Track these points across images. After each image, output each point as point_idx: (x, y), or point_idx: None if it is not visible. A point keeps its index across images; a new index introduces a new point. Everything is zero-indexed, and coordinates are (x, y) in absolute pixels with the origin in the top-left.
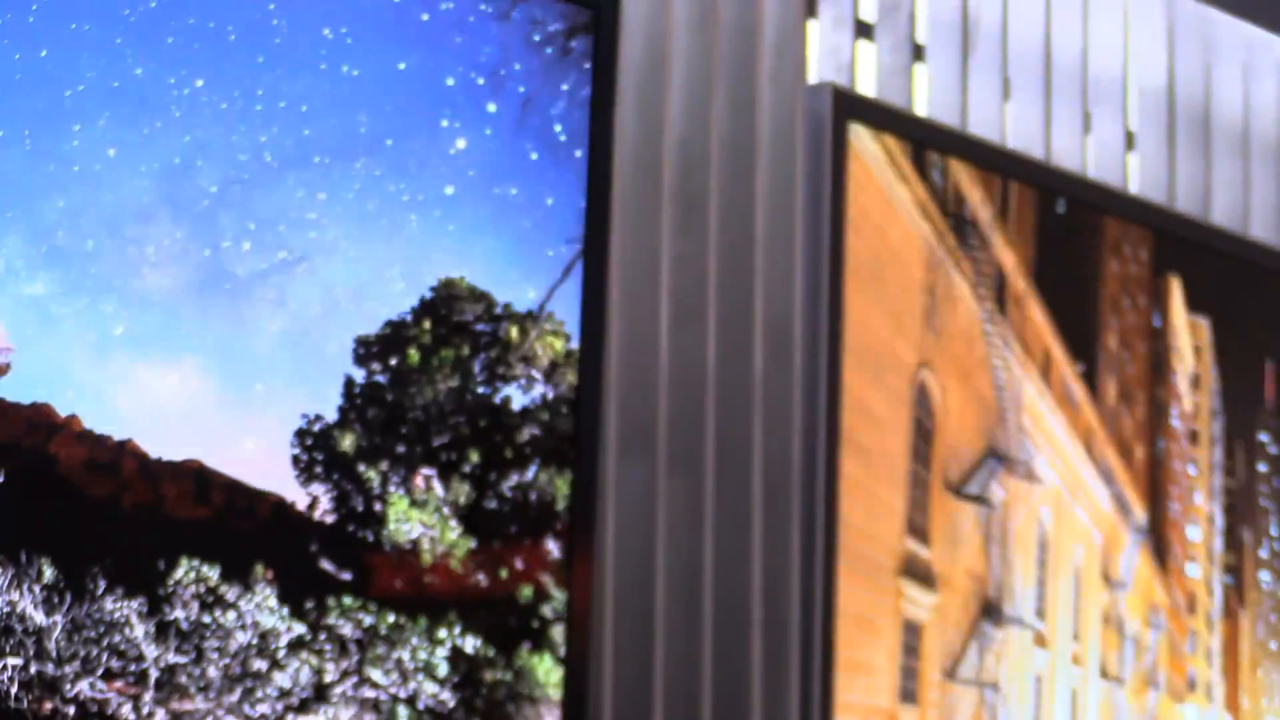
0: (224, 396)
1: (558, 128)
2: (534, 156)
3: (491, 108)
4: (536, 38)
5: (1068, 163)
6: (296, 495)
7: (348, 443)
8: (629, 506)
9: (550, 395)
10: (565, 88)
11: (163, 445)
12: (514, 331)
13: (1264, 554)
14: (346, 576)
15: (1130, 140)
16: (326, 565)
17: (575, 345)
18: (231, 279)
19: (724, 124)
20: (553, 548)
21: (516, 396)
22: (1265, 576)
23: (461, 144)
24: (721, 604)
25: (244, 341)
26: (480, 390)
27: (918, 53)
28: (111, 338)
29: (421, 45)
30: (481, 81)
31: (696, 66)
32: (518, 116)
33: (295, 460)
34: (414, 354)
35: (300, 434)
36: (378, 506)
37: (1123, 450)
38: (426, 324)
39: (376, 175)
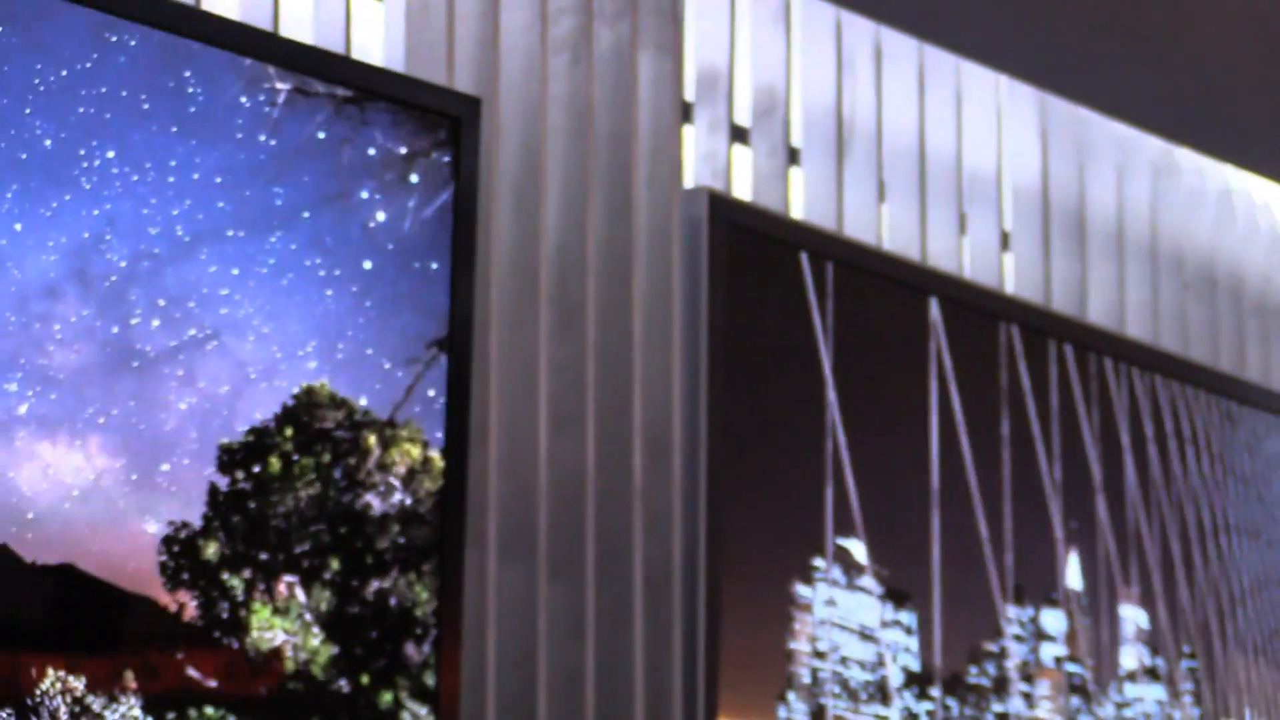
0: (129, 477)
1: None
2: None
3: (414, 178)
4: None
5: (944, 263)
6: (168, 599)
7: (211, 551)
8: (510, 610)
9: (408, 501)
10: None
11: (39, 545)
12: (371, 439)
13: None
14: (212, 684)
15: (1006, 240)
16: (193, 672)
17: (436, 451)
18: (140, 356)
19: (601, 229)
20: (413, 653)
21: (376, 503)
22: None
23: (381, 217)
24: (603, 707)
25: (151, 419)
26: (340, 497)
27: (793, 156)
28: (15, 416)
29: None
30: (404, 151)
31: (573, 172)
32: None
33: (162, 567)
34: (275, 462)
35: (167, 541)
36: (242, 613)
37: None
38: (288, 431)
39: (293, 249)
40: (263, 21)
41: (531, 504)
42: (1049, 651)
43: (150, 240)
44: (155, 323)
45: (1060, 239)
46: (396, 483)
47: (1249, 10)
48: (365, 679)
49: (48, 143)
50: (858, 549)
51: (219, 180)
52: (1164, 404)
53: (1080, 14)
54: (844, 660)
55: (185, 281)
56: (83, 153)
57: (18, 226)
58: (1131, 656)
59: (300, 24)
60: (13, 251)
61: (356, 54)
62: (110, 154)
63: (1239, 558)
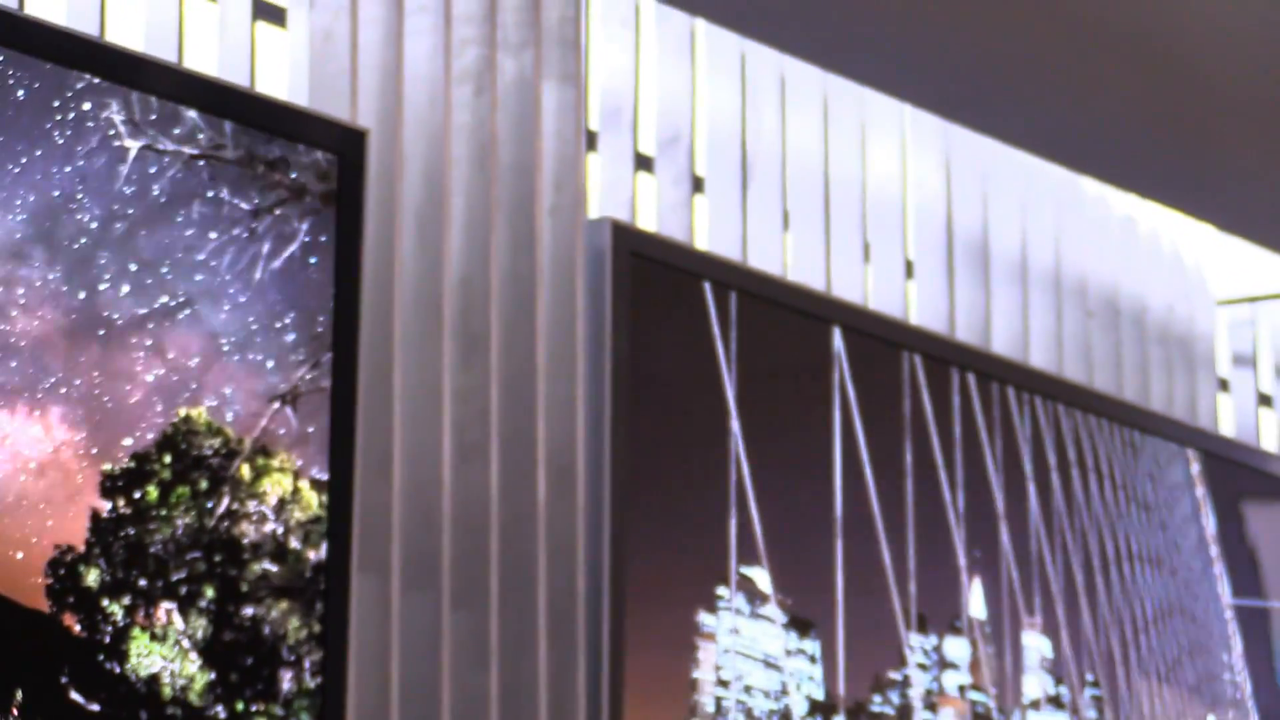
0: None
1: None
2: None
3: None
4: None
5: (847, 292)
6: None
7: (92, 577)
8: (413, 639)
9: (280, 531)
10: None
11: None
12: (245, 469)
13: None
14: (94, 708)
15: (909, 269)
16: (76, 696)
17: (307, 481)
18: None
19: (504, 259)
20: (290, 681)
21: (250, 532)
22: None
23: (266, 251)
24: None
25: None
26: (215, 526)
27: (698, 185)
28: None
29: None
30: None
31: (476, 202)
32: None
33: (48, 590)
34: (153, 491)
35: (52, 564)
36: (122, 640)
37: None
38: (167, 458)
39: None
40: (169, 54)
41: (435, 532)
42: (952, 680)
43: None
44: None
45: (964, 268)
46: (269, 512)
47: (1149, 43)
48: (240, 705)
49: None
50: (761, 578)
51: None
52: (1067, 433)
53: (984, 46)
54: (748, 689)
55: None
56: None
57: None
58: (1035, 685)
59: (205, 55)
60: None
61: (261, 83)
62: None
63: (1142, 586)
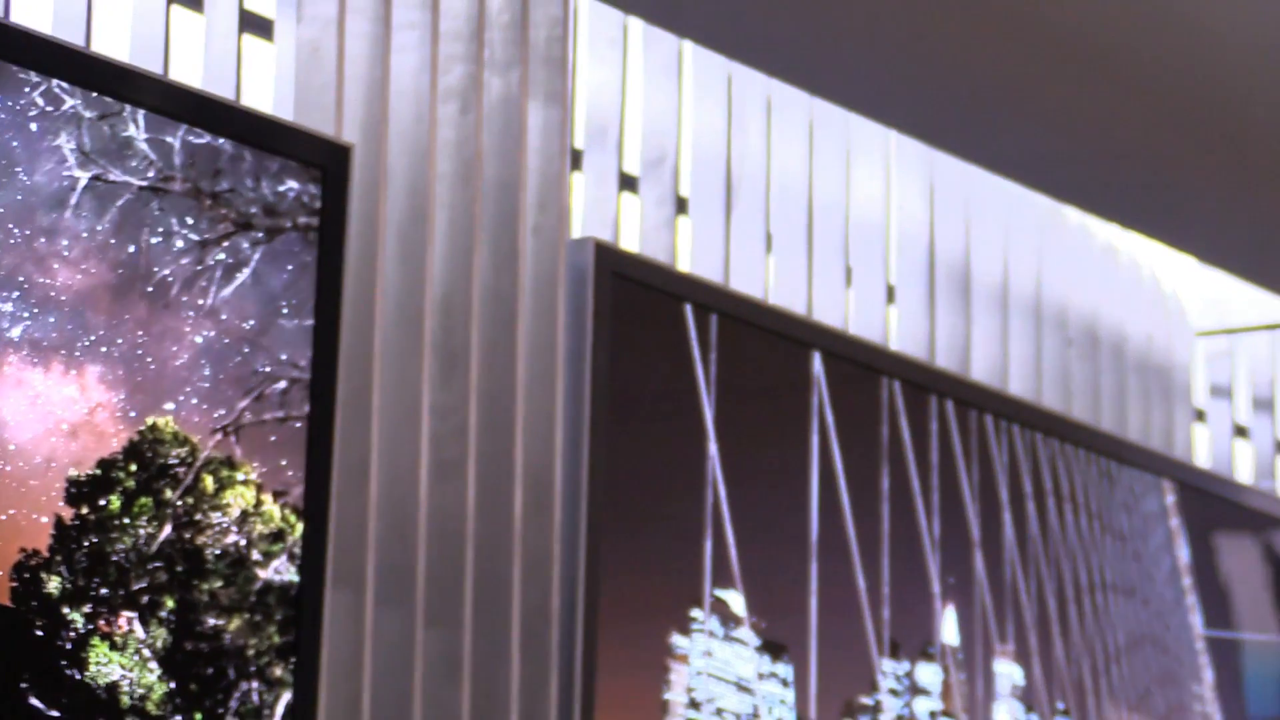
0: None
1: None
2: None
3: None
4: None
5: (829, 316)
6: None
7: (54, 584)
8: (386, 655)
9: (242, 544)
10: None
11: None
12: (209, 480)
13: None
14: (54, 714)
15: (891, 294)
16: (35, 702)
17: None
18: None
19: (486, 277)
20: (253, 693)
21: (210, 543)
22: None
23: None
24: None
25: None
26: (178, 535)
27: (682, 206)
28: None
29: None
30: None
31: (459, 219)
32: None
33: (13, 593)
34: (115, 501)
35: (17, 568)
36: (83, 647)
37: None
38: (133, 466)
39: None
40: (154, 65)
41: (410, 548)
42: (924, 706)
43: None
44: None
45: (945, 295)
46: (231, 525)
47: (1133, 75)
48: (199, 717)
49: None
50: (735, 600)
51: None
52: (1044, 461)
53: (970, 73)
54: (719, 712)
55: None
56: None
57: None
58: (1006, 712)
59: (191, 67)
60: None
61: (246, 96)
62: None
63: (1115, 615)
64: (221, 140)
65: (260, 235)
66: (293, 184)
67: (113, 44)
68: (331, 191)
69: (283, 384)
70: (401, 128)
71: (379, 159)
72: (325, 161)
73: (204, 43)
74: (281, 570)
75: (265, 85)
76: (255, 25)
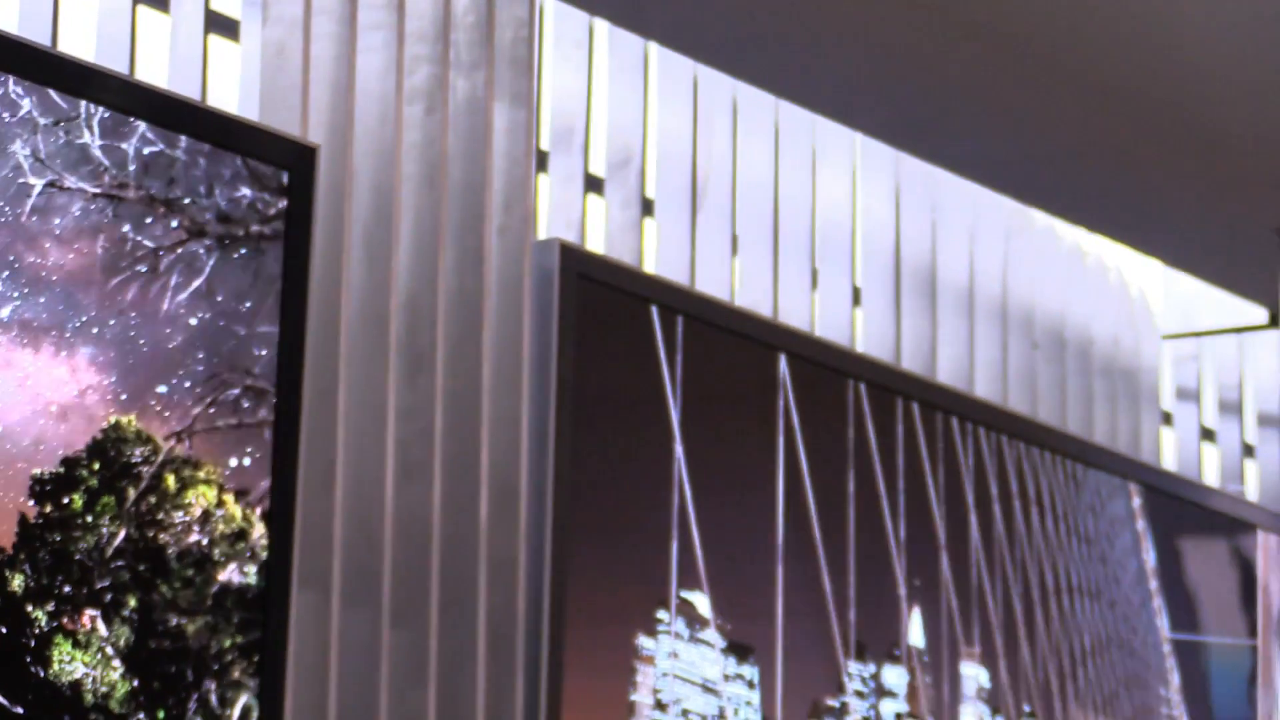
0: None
1: None
2: None
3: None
4: None
5: (795, 318)
6: None
7: (17, 582)
8: (351, 656)
9: (204, 542)
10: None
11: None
12: (170, 479)
13: None
14: (18, 711)
15: (857, 296)
16: (0, 699)
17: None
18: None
19: (452, 278)
20: (213, 692)
21: (171, 542)
22: None
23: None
24: None
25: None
26: (140, 534)
27: (648, 208)
28: None
29: None
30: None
31: (424, 221)
32: None
33: None
34: (78, 499)
35: None
36: (46, 645)
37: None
38: (96, 465)
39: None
40: (120, 65)
41: (376, 549)
42: (890, 708)
43: None
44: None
45: (911, 297)
46: (194, 524)
47: (1100, 79)
48: (161, 715)
49: None
50: (701, 602)
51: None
52: (1010, 464)
53: (936, 76)
54: (685, 713)
55: None
56: None
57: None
58: (972, 715)
59: (157, 67)
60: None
61: (212, 97)
62: None
63: (1081, 618)
64: (177, 150)
65: (212, 243)
66: (246, 191)
67: (78, 44)
68: (297, 192)
69: (235, 391)
70: (367, 128)
71: (344, 160)
72: (291, 162)
73: (170, 43)
74: (245, 571)
75: (231, 86)
76: (221, 26)
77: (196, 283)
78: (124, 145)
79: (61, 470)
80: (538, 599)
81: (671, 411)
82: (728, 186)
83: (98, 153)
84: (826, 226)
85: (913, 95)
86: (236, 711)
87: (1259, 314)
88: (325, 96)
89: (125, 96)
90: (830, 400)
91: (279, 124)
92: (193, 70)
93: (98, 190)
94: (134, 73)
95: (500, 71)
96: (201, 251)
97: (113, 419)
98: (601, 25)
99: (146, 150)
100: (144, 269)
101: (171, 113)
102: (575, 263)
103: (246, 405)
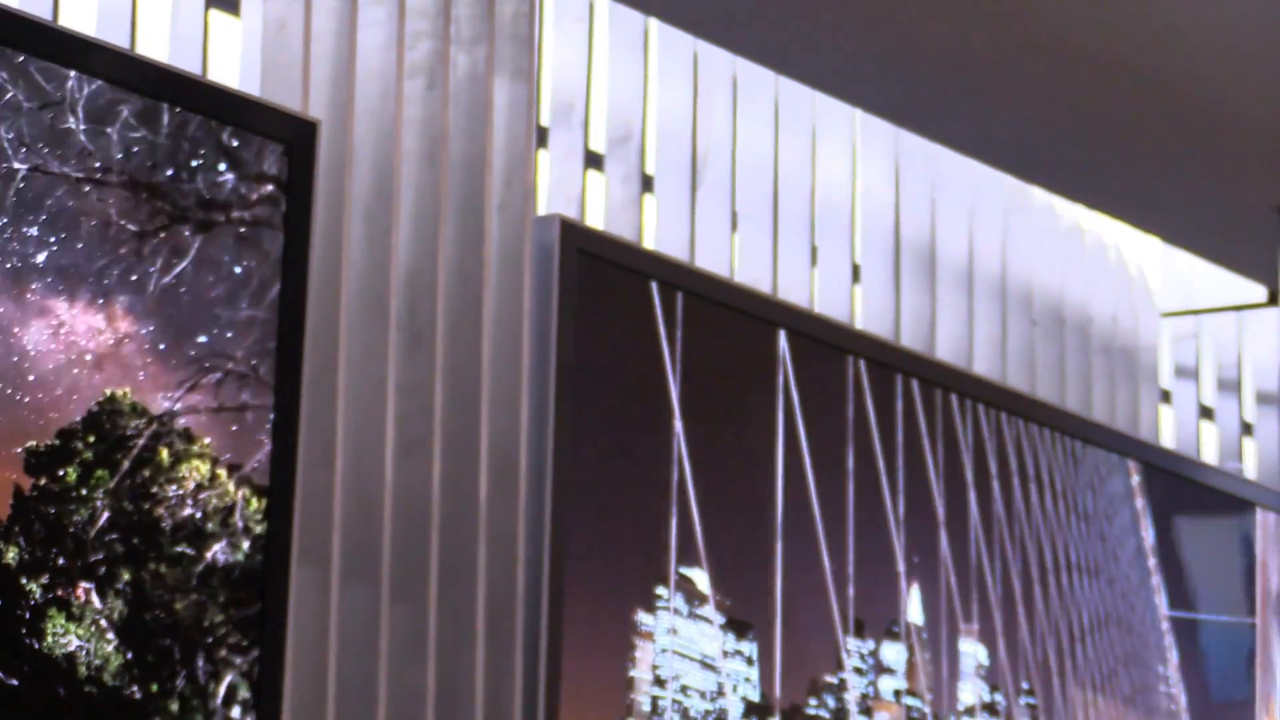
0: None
1: None
2: None
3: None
4: None
5: (794, 294)
6: None
7: (11, 555)
8: (351, 631)
9: (198, 515)
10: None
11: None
12: (164, 453)
13: None
14: (13, 683)
15: (856, 273)
16: None
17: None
18: None
19: (452, 254)
20: (203, 666)
21: (166, 516)
22: None
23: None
24: None
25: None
26: (134, 508)
27: (648, 184)
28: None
29: None
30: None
31: (425, 197)
32: None
33: None
34: (72, 472)
35: None
36: (41, 618)
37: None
38: (91, 438)
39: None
40: (121, 40)
41: (375, 525)
42: (888, 684)
43: None
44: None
45: (910, 274)
46: (188, 497)
47: (1100, 56)
48: (155, 687)
49: None
50: (700, 578)
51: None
52: (1009, 441)
53: (937, 53)
54: (684, 689)
55: None
56: None
57: None
58: (970, 692)
59: (158, 41)
60: None
61: (213, 71)
62: None
63: (1080, 595)
64: (161, 136)
65: (195, 228)
66: (230, 176)
67: (80, 18)
68: (298, 168)
69: (233, 365)
70: (368, 104)
71: (345, 136)
72: (292, 137)
73: (171, 17)
74: (244, 545)
75: (232, 60)
76: (222, 1)
77: (182, 264)
78: (109, 129)
79: (56, 443)
80: (537, 575)
81: (671, 388)
82: (727, 163)
83: (82, 138)
84: (826, 203)
85: (913, 72)
86: (223, 687)
87: (1258, 292)
88: (326, 71)
89: (125, 71)
90: (829, 377)
91: (280, 99)
92: (193, 45)
93: (80, 175)
94: (135, 47)
95: (501, 47)
96: (188, 233)
97: (108, 392)
98: (602, 1)
99: (130, 136)
100: (127, 251)
101: (172, 87)
102: (575, 238)
103: (245, 380)
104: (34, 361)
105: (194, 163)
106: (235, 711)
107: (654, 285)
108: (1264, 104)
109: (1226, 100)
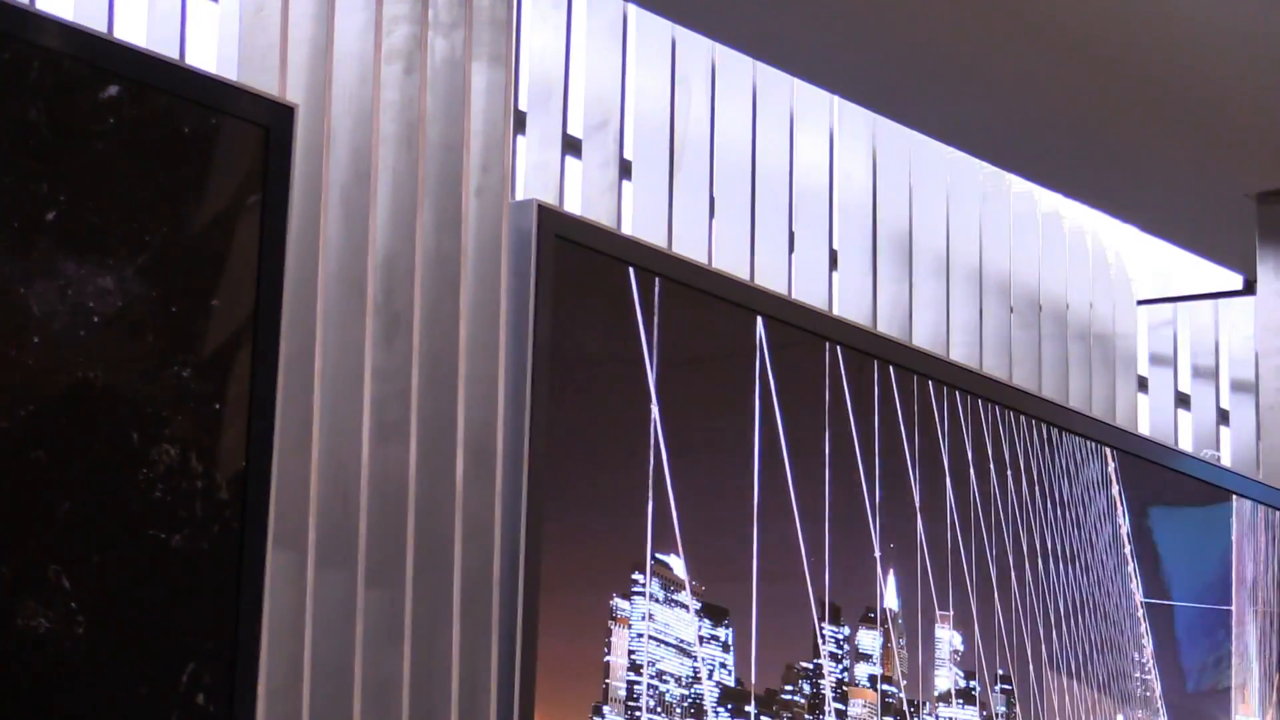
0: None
1: None
2: None
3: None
4: None
5: (772, 280)
6: None
7: None
8: (327, 615)
9: (170, 499)
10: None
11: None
12: (136, 435)
13: None
14: None
15: (834, 260)
16: None
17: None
18: None
19: (429, 239)
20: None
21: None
22: None
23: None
24: (418, 715)
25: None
26: (105, 490)
27: (626, 170)
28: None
29: None
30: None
31: (402, 181)
32: None
33: None
34: (44, 454)
35: None
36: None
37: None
38: (63, 420)
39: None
40: (99, 24)
41: (352, 510)
42: (864, 671)
43: None
44: None
45: (887, 261)
46: (158, 481)
47: (1077, 44)
48: (125, 670)
49: None
50: (677, 564)
51: None
52: (985, 428)
53: (914, 40)
54: (660, 675)
55: None
56: None
57: None
58: (946, 678)
59: (136, 27)
60: None
61: (192, 56)
62: None
63: (1055, 582)
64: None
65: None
66: (206, 159)
67: (58, 2)
68: (275, 151)
69: (192, 357)
70: (345, 88)
71: (322, 120)
72: (269, 121)
73: (148, 1)
74: (217, 530)
75: (210, 45)
76: None
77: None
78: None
79: (28, 424)
80: (513, 560)
81: (648, 373)
82: (705, 149)
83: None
84: (804, 190)
85: (890, 59)
86: (194, 671)
87: (1234, 280)
88: (304, 56)
89: (104, 55)
90: (807, 363)
91: (257, 83)
92: (171, 29)
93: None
94: (113, 31)
95: (479, 32)
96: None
97: (80, 374)
98: None
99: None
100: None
101: (150, 71)
102: (552, 224)
103: (221, 363)
104: (6, 341)
105: (170, 146)
106: (207, 696)
107: (631, 271)
108: (1240, 94)
109: (1203, 89)
